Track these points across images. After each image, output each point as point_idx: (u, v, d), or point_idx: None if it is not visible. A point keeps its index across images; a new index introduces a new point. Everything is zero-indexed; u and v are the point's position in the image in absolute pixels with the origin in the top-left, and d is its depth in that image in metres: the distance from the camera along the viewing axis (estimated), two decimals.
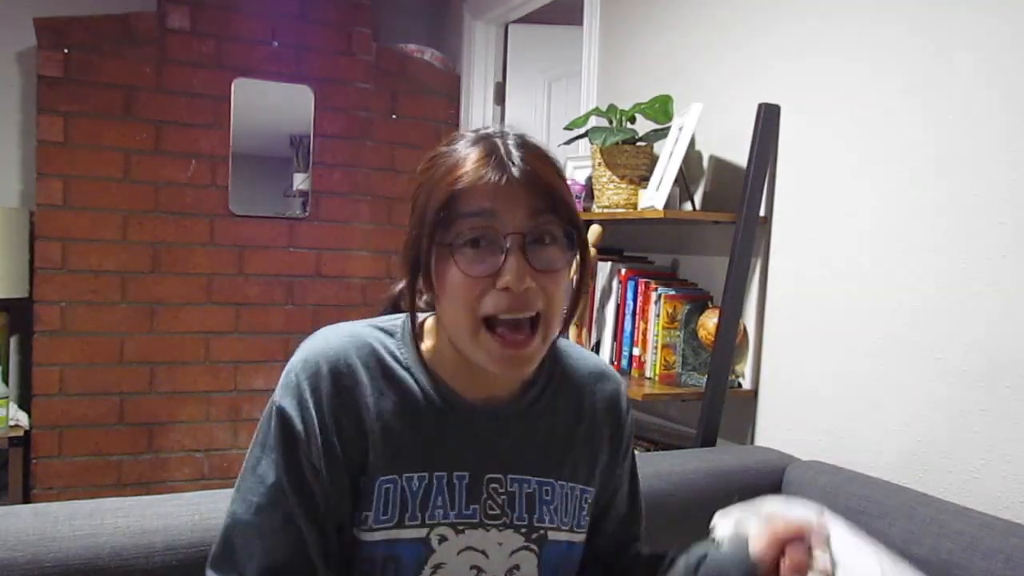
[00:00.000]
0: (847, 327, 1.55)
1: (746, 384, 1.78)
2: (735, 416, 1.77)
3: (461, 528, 0.82)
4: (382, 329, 0.86)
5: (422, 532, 0.81)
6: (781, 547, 0.77)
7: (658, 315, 1.85)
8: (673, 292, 1.85)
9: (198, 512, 1.12)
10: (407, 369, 0.84)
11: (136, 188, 2.71)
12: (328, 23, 2.97)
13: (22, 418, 2.59)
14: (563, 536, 0.87)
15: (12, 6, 2.69)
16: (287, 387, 0.81)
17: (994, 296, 1.29)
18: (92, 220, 2.65)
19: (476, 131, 0.82)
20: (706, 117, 1.84)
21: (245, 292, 2.85)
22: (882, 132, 1.49)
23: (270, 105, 2.92)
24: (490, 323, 0.77)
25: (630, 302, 1.95)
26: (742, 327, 1.76)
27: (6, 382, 2.59)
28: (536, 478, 0.86)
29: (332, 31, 2.98)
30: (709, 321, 1.77)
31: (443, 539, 0.81)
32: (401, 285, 0.88)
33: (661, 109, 1.92)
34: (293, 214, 2.97)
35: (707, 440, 1.68)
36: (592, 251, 2.02)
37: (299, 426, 0.79)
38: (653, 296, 1.87)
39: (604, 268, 2.08)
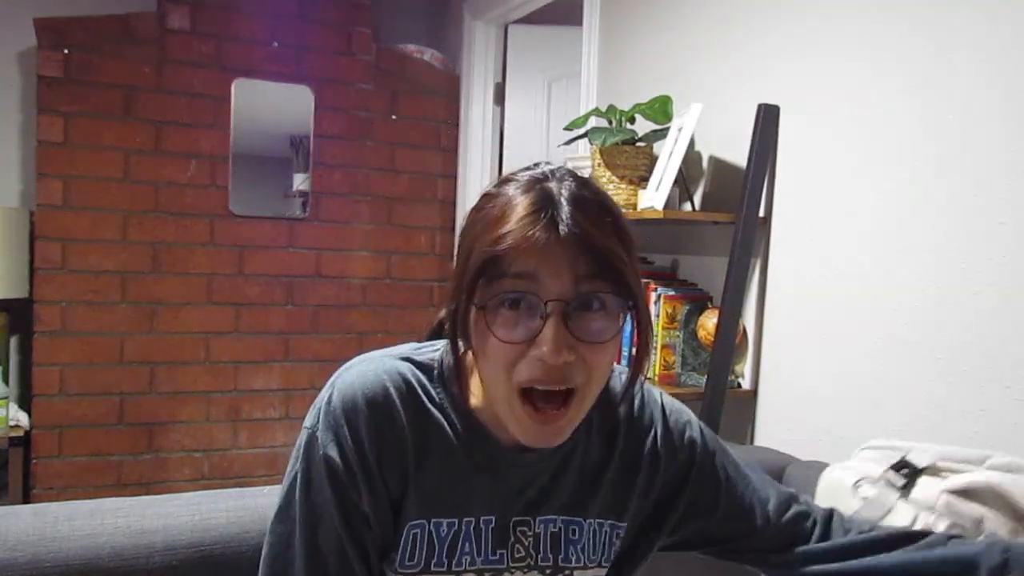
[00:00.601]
0: (847, 327, 1.55)
1: (746, 384, 1.78)
2: (735, 416, 1.77)
3: (487, 573, 0.81)
4: (418, 364, 0.82)
5: None
6: None
7: (658, 315, 1.85)
8: (673, 292, 1.85)
9: (198, 512, 1.12)
10: (441, 409, 0.80)
11: (136, 188, 2.71)
12: (328, 23, 2.98)
13: (22, 418, 2.59)
14: (590, 573, 0.86)
15: (12, 6, 2.69)
16: (328, 428, 0.77)
17: (994, 296, 1.29)
18: (92, 220, 2.65)
19: (532, 170, 0.76)
20: (706, 117, 1.84)
21: (245, 292, 2.85)
22: (882, 132, 1.49)
23: (270, 105, 2.92)
24: (524, 391, 0.72)
25: None
26: (742, 327, 1.76)
27: (6, 382, 2.59)
28: (563, 517, 0.84)
29: (332, 31, 2.98)
30: (709, 321, 1.77)
31: None
32: (443, 314, 0.83)
33: (661, 109, 1.92)
34: (293, 214, 2.97)
35: None
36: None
37: (346, 475, 0.76)
38: (653, 296, 1.87)
39: None
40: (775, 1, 1.74)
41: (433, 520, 0.79)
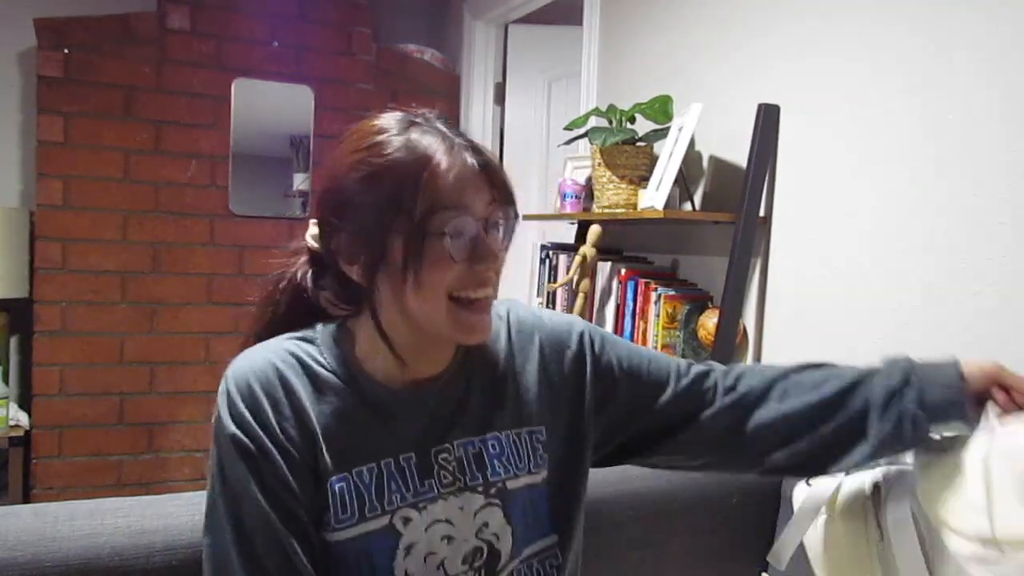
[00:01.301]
0: (847, 327, 1.55)
1: None
2: None
3: (422, 505, 0.84)
4: (299, 339, 0.88)
5: (384, 520, 0.82)
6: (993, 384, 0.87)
7: (658, 315, 1.85)
8: (673, 292, 1.85)
9: (198, 512, 1.12)
10: (332, 370, 0.85)
11: (136, 188, 2.71)
12: (328, 23, 2.98)
13: (22, 418, 2.59)
14: (522, 482, 0.89)
15: (12, 6, 2.69)
16: (228, 412, 0.81)
17: (994, 296, 1.29)
18: (92, 220, 2.65)
19: (402, 117, 0.84)
20: (706, 117, 1.84)
21: (245, 292, 2.84)
22: (882, 132, 1.49)
23: (270, 105, 2.92)
24: (457, 300, 0.82)
25: (630, 302, 1.95)
26: (742, 327, 1.76)
27: (6, 382, 2.60)
28: (478, 437, 0.89)
29: (332, 31, 2.98)
30: (709, 321, 1.77)
31: (407, 520, 0.83)
32: (326, 293, 0.90)
33: (661, 109, 1.92)
34: (293, 214, 2.97)
35: None
36: (592, 251, 2.02)
37: (254, 446, 0.80)
38: (653, 296, 1.87)
39: (604, 268, 2.08)
40: (775, 1, 1.74)
41: (354, 470, 0.83)
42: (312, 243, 0.91)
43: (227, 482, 0.80)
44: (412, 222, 0.79)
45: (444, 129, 0.83)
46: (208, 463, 0.84)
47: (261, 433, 0.80)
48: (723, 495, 1.41)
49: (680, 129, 1.83)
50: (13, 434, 2.50)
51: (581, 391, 0.95)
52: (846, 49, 1.57)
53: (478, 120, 3.19)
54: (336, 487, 0.82)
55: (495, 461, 0.89)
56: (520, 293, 2.39)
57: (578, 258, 2.03)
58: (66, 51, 2.58)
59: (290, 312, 0.92)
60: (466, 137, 0.84)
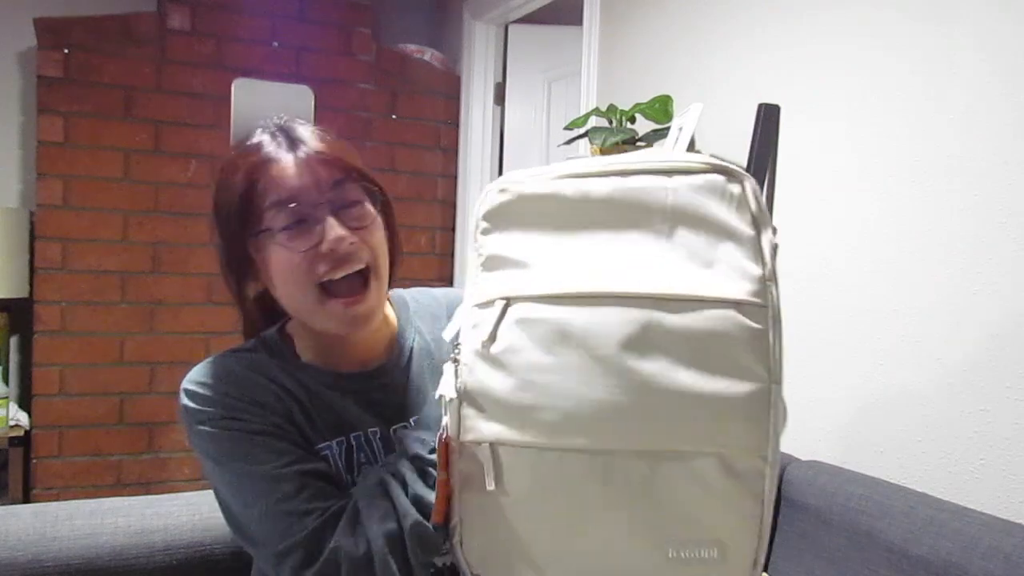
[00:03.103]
0: (847, 327, 1.55)
1: None
2: None
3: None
4: (241, 349, 0.94)
5: (352, 490, 0.85)
6: None
7: None
8: None
9: (198, 512, 1.12)
10: (281, 366, 0.90)
11: (136, 188, 2.71)
12: (328, 23, 2.97)
13: (22, 418, 2.59)
14: None
15: (12, 6, 2.69)
16: (195, 407, 0.84)
17: (994, 296, 1.29)
18: (92, 220, 2.65)
19: (255, 131, 0.90)
20: (706, 117, 1.83)
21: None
22: (882, 132, 1.49)
23: (270, 105, 2.91)
24: (328, 290, 0.85)
25: None
26: None
27: (6, 382, 2.60)
28: (434, 412, 0.92)
29: (332, 31, 2.98)
30: None
31: None
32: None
33: (661, 109, 1.91)
34: None
35: None
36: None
37: (231, 413, 0.83)
38: None
39: None
40: (775, 1, 1.74)
41: (327, 442, 0.87)
42: None
43: (220, 454, 0.83)
44: (247, 225, 0.84)
45: (277, 128, 0.88)
46: (204, 467, 0.86)
47: (227, 399, 0.84)
48: None
49: (680, 129, 1.82)
50: (13, 434, 2.50)
51: None
52: (847, 49, 1.57)
53: (478, 120, 3.19)
54: (323, 455, 0.87)
55: None
56: None
57: None
58: (66, 51, 2.58)
59: (261, 308, 0.97)
60: (297, 131, 0.88)
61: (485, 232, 0.74)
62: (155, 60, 2.71)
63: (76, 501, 1.09)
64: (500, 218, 0.74)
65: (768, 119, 1.69)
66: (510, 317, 0.70)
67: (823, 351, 1.60)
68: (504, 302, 0.70)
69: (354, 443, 0.89)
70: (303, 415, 0.87)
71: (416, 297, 1.04)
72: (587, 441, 0.67)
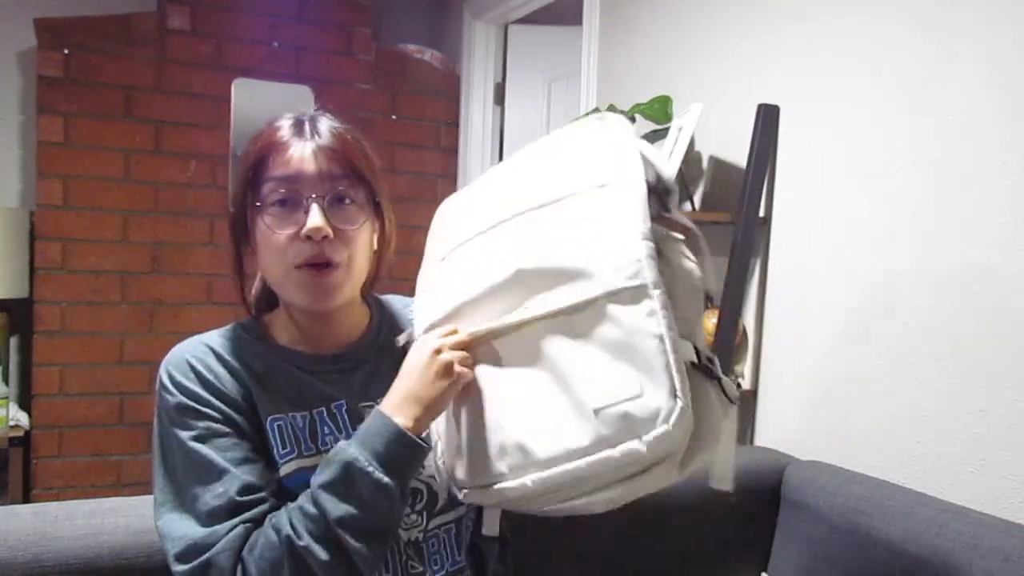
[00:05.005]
0: (847, 327, 1.55)
1: (746, 384, 1.78)
2: None
3: None
4: (222, 331, 1.00)
5: (319, 459, 0.87)
6: None
7: None
8: None
9: None
10: (254, 344, 0.97)
11: (136, 188, 2.71)
12: (328, 23, 2.97)
13: (22, 418, 2.59)
14: None
15: (12, 6, 2.69)
16: (168, 383, 0.90)
17: (993, 297, 1.29)
18: (92, 220, 2.65)
19: (286, 113, 0.97)
20: (706, 117, 1.84)
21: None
22: (882, 132, 1.49)
23: (270, 105, 2.91)
24: (299, 268, 0.91)
25: None
26: (742, 327, 1.76)
27: (6, 382, 2.60)
28: None
29: (332, 31, 2.98)
30: (708, 322, 1.77)
31: None
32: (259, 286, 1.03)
33: (661, 109, 1.92)
34: None
35: None
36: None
37: (191, 400, 0.88)
38: None
39: None
40: (776, 1, 1.74)
41: (289, 414, 0.93)
42: None
43: (170, 437, 0.88)
44: (246, 192, 0.92)
45: (310, 120, 0.94)
46: (153, 446, 0.91)
47: (199, 386, 0.89)
48: (723, 495, 1.41)
49: (680, 129, 1.83)
50: (13, 434, 2.50)
51: None
52: (846, 49, 1.57)
53: (478, 120, 3.19)
54: (274, 425, 0.91)
55: None
56: None
57: None
58: (66, 51, 2.58)
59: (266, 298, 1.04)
60: (322, 122, 0.94)
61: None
62: (155, 60, 2.71)
63: (76, 501, 1.09)
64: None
65: (767, 119, 1.70)
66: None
67: (823, 351, 1.60)
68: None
69: (317, 418, 0.94)
70: (261, 389, 0.93)
71: (401, 301, 1.12)
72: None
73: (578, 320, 0.79)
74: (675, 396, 0.72)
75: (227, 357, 0.94)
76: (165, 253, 2.75)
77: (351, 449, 0.82)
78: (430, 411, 0.84)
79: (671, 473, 0.77)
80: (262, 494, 0.86)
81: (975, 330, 1.32)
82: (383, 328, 1.04)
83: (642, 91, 2.10)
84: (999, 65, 1.29)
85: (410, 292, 1.20)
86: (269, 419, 0.91)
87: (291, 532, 0.80)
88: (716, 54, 1.92)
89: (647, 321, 0.74)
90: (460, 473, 0.85)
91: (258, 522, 0.84)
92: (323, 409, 0.94)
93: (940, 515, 1.20)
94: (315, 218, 0.89)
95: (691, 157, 1.95)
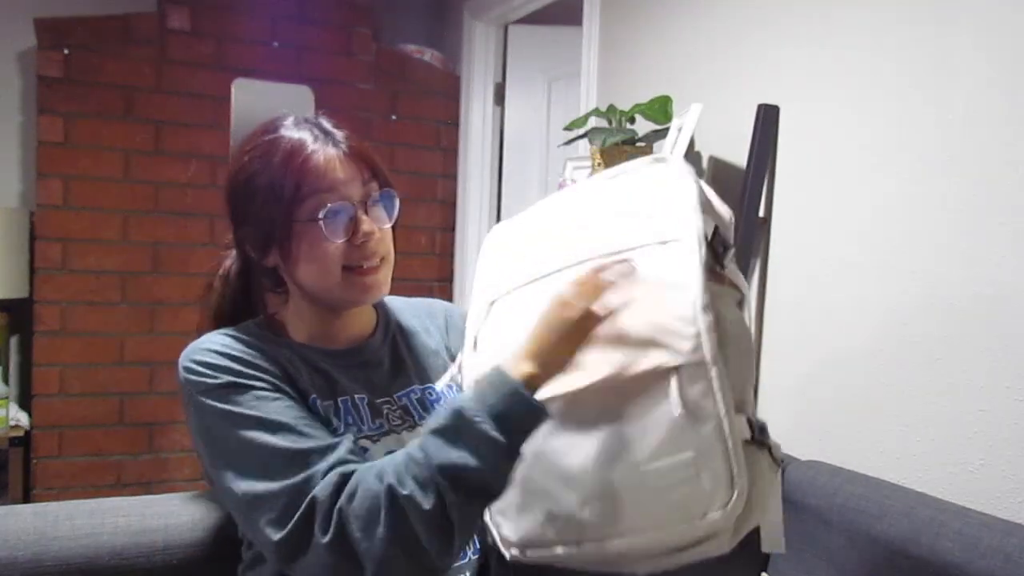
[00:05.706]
0: (847, 327, 1.55)
1: None
2: None
3: (376, 438, 0.97)
4: (235, 329, 0.99)
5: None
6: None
7: None
8: None
9: (198, 512, 1.12)
10: (270, 339, 0.98)
11: (136, 188, 2.71)
12: (328, 23, 2.97)
13: (22, 418, 2.59)
14: None
15: (12, 6, 2.69)
16: (203, 370, 0.90)
17: (994, 297, 1.29)
18: (92, 220, 2.65)
19: (285, 120, 0.98)
20: (706, 117, 1.84)
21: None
22: (882, 132, 1.49)
23: (270, 105, 2.91)
24: (350, 268, 0.95)
25: None
26: None
27: (6, 382, 2.60)
28: (414, 386, 1.05)
29: (332, 31, 2.98)
30: None
31: (364, 450, 0.94)
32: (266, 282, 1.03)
33: (661, 109, 1.92)
34: None
35: None
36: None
37: (234, 376, 0.89)
38: None
39: None
40: (775, 1, 1.74)
41: (317, 400, 0.95)
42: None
43: (232, 428, 0.87)
44: (289, 209, 0.92)
45: (313, 123, 0.96)
46: (201, 444, 0.92)
47: (236, 363, 0.90)
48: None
49: (680, 129, 1.83)
50: (13, 434, 2.50)
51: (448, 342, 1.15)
52: (846, 49, 1.57)
53: (478, 120, 3.19)
54: (315, 403, 0.94)
55: (435, 406, 1.03)
56: None
57: None
58: (66, 51, 2.58)
59: (230, 305, 1.04)
60: (331, 128, 0.97)
61: None
62: (155, 60, 2.71)
63: (76, 501, 1.09)
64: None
65: (767, 119, 1.70)
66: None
67: (823, 351, 1.60)
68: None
69: (341, 406, 0.96)
70: (296, 373, 0.95)
71: (401, 300, 1.18)
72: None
73: (632, 389, 0.78)
74: (732, 484, 0.73)
75: (254, 345, 0.95)
76: (165, 253, 2.75)
77: (465, 400, 0.81)
78: (549, 369, 0.81)
79: (723, 544, 0.78)
80: (342, 439, 0.89)
81: (975, 330, 1.32)
82: (389, 324, 1.10)
83: (642, 91, 2.10)
84: (999, 65, 1.29)
85: (410, 292, 1.20)
86: (311, 397, 0.94)
87: (394, 481, 0.78)
88: (716, 54, 1.92)
89: (704, 400, 0.75)
90: (507, 531, 0.86)
91: (344, 473, 0.82)
92: (348, 399, 0.98)
93: (940, 515, 1.20)
94: (367, 224, 0.94)
95: (691, 157, 1.95)
